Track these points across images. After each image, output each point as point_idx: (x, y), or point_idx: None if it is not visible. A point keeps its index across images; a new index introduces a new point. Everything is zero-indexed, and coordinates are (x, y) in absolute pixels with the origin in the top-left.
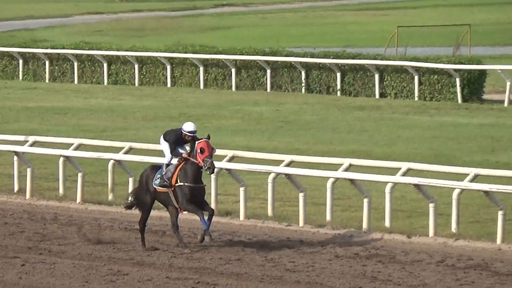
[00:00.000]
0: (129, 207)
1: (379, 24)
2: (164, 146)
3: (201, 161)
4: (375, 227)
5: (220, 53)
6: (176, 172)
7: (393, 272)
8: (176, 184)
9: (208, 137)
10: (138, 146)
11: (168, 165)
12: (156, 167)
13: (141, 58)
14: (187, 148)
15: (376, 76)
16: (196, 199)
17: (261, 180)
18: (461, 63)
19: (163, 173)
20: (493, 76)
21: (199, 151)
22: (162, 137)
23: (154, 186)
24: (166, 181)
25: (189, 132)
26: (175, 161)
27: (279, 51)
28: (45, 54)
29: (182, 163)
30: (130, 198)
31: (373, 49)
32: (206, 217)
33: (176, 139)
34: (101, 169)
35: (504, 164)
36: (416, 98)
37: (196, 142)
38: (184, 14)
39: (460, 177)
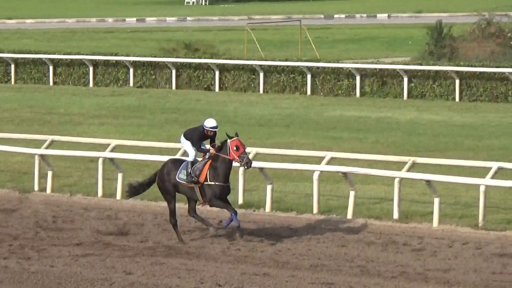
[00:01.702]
0: (132, 194)
1: None
2: (187, 144)
3: (236, 158)
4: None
5: None
6: (205, 170)
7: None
8: (206, 183)
9: (237, 135)
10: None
11: (193, 162)
12: (177, 161)
13: None
14: (207, 146)
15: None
16: (223, 197)
17: None
18: None
19: (189, 169)
20: None
21: (234, 148)
22: (182, 136)
23: (178, 179)
24: (195, 178)
25: (211, 127)
26: (196, 157)
27: None
28: None
29: (210, 161)
30: (135, 187)
31: None
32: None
33: (200, 137)
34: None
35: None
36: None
37: (229, 140)
38: None
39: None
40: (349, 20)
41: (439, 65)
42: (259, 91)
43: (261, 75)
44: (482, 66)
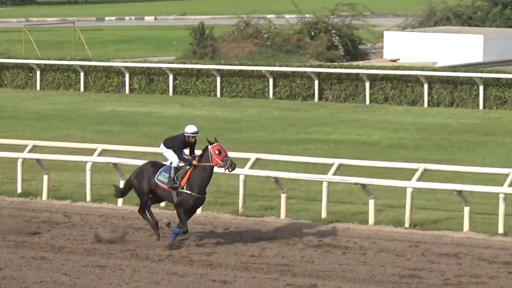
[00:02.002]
0: (123, 194)
1: None
2: (169, 152)
3: (220, 162)
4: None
5: None
6: (186, 177)
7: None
8: (183, 190)
9: (216, 140)
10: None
11: (177, 168)
12: (156, 164)
13: None
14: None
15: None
16: (194, 208)
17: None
18: None
19: (173, 175)
20: None
21: (216, 153)
22: (162, 145)
23: (157, 181)
24: (177, 183)
25: (193, 133)
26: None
27: None
28: None
29: (191, 169)
30: (120, 189)
31: None
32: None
33: (183, 144)
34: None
35: None
36: None
37: (210, 146)
38: None
39: None
40: (119, 22)
41: (202, 64)
42: (36, 88)
43: (38, 73)
44: (241, 64)
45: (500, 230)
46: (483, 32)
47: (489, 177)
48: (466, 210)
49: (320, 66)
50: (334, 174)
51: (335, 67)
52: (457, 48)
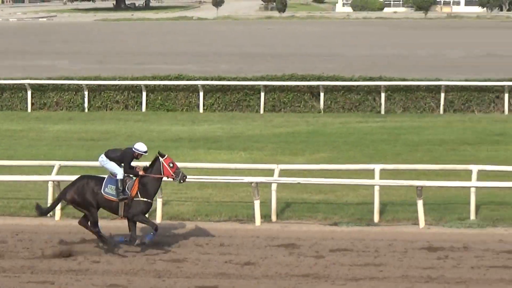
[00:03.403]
0: (46, 212)
1: None
2: (112, 164)
3: (172, 174)
4: None
5: None
6: (135, 187)
7: None
8: (135, 199)
9: (164, 154)
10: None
11: (122, 180)
12: (92, 177)
13: None
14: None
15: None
16: (146, 213)
17: None
18: None
19: (120, 186)
20: None
21: (170, 165)
22: (104, 156)
23: (104, 193)
24: (126, 195)
25: (144, 152)
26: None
27: None
28: None
29: (138, 179)
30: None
31: None
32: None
33: (131, 159)
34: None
35: None
36: None
37: (161, 158)
38: None
39: None
40: None
41: None
42: None
43: None
44: None
45: None
46: None
47: None
48: None
49: None
50: None
51: None
52: None
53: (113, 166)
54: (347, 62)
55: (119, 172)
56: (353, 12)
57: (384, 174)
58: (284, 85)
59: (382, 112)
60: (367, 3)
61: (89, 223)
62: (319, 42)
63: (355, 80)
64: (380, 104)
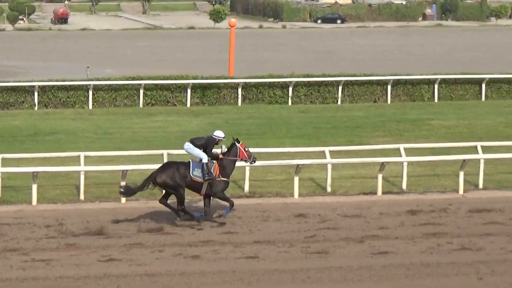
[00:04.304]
0: (133, 193)
1: None
2: (197, 151)
3: (246, 157)
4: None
5: None
6: (217, 169)
7: None
8: (218, 178)
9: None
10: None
11: (207, 163)
12: (179, 163)
13: None
14: (217, 151)
15: None
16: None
17: None
18: None
19: (205, 169)
20: None
21: (245, 150)
22: (190, 143)
23: (193, 176)
24: (211, 176)
25: (223, 137)
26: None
27: None
28: None
29: (217, 162)
30: (132, 188)
31: None
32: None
33: (214, 145)
34: None
35: None
36: None
37: (237, 144)
38: None
39: None
40: None
41: None
42: None
43: None
44: None
45: None
46: None
47: None
48: None
49: None
50: None
51: None
52: None
53: (198, 152)
54: None
55: (204, 157)
56: None
57: None
58: None
59: None
60: None
61: (176, 202)
62: None
63: None
64: None
